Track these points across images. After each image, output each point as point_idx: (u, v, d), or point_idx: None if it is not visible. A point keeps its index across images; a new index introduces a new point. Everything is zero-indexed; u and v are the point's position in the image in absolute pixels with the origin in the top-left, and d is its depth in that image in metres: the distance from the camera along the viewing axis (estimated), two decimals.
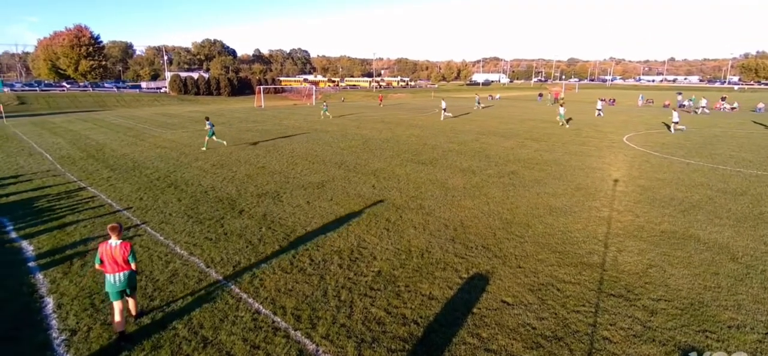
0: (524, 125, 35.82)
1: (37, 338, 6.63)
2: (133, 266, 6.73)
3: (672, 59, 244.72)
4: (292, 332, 6.76)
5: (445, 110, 41.90)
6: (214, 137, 23.65)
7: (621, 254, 9.61)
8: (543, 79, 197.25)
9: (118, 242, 6.63)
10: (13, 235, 10.99)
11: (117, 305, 6.55)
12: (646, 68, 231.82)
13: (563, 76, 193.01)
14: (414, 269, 8.92)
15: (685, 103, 57.84)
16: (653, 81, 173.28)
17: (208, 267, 9.03)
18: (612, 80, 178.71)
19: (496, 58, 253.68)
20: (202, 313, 7.28)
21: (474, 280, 8.43)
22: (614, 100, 68.35)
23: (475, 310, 7.35)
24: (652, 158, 20.88)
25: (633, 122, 37.47)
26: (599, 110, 44.06)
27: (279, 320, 7.08)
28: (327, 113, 44.29)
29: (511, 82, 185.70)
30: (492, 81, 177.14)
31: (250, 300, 7.69)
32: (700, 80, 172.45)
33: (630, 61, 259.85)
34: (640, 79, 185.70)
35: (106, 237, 6.91)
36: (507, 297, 7.77)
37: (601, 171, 17.98)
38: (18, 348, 6.41)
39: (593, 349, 6.31)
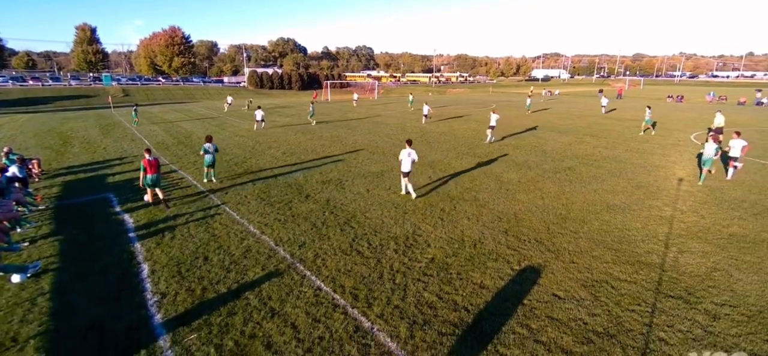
0: (583, 120, 33.85)
1: (135, 299, 7.34)
2: (159, 170, 11.83)
3: (751, 54, 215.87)
4: (350, 309, 6.95)
5: (492, 129, 23.52)
6: (136, 118, 32.90)
7: (683, 255, 8.89)
8: (605, 75, 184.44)
9: (153, 157, 11.78)
10: (118, 209, 12.18)
11: (150, 191, 12.02)
12: (721, 64, 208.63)
13: (627, 72, 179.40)
14: (466, 258, 8.82)
15: (764, 101, 51.90)
16: (728, 77, 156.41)
17: (277, 245, 9.49)
18: (681, 76, 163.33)
19: (557, 54, 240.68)
20: (271, 286, 7.68)
21: (525, 272, 8.19)
22: (682, 96, 62.67)
23: (525, 301, 7.15)
24: (724, 157, 18.93)
25: (703, 120, 34.14)
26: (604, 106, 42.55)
27: (338, 297, 7.31)
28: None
29: (571, 77, 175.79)
30: (552, 77, 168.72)
31: (313, 278, 7.99)
32: None
33: (702, 57, 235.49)
34: (713, 75, 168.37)
35: (142, 157, 11.75)
36: (559, 291, 7.48)
37: (665, 170, 16.65)
38: (121, 306, 7.14)
39: (647, 349, 5.94)
